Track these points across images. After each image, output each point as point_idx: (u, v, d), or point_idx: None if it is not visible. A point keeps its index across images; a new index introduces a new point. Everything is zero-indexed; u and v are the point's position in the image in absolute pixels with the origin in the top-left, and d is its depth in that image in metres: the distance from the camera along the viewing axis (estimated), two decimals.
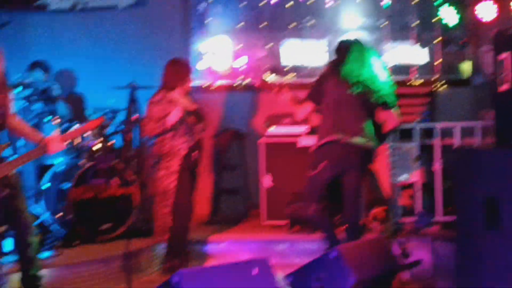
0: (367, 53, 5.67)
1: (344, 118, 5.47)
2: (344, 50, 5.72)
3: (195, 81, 7.62)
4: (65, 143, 5.14)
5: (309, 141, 6.46)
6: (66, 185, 6.45)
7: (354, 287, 4.19)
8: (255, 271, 3.88)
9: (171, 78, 5.90)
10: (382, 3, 7.91)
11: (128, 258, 4.62)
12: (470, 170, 5.01)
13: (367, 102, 5.59)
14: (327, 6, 7.93)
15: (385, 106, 5.62)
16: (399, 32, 7.92)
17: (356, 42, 5.82)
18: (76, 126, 6.50)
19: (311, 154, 5.81)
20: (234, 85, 8.19)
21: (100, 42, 7.82)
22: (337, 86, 5.48)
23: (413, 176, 6.85)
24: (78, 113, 7.49)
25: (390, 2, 7.91)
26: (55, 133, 5.06)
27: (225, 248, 6.61)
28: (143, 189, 6.67)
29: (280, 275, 4.22)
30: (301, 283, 4.41)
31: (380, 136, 5.79)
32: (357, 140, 5.44)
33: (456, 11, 7.12)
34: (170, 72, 5.93)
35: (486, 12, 6.59)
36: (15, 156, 4.98)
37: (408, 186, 6.85)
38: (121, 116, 6.90)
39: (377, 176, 6.87)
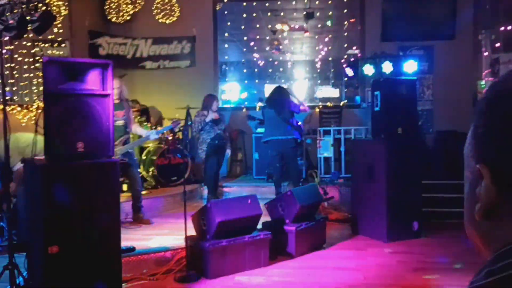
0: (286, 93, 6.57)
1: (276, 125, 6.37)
2: (273, 94, 6.56)
3: (220, 104, 7.78)
4: (157, 136, 5.99)
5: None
6: (155, 156, 7.21)
7: (299, 209, 4.80)
8: (249, 201, 4.59)
9: (207, 102, 6.60)
10: (315, 65, 8.97)
11: (185, 194, 4.52)
12: (359, 150, 5.89)
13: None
14: (288, 66, 9.10)
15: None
16: (325, 80, 9.06)
17: (280, 87, 6.69)
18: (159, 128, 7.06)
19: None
20: (241, 106, 8.85)
21: (172, 85, 8.41)
22: (270, 111, 6.39)
23: (330, 153, 7.62)
24: (159, 121, 8.41)
25: (319, 63, 9.07)
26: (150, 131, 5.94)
27: (235, 190, 7.43)
28: (193, 160, 7.33)
29: (262, 204, 4.84)
30: (272, 207, 4.97)
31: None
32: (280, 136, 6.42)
33: (353, 70, 7.45)
34: (206, 99, 6.64)
35: (368, 70, 6.71)
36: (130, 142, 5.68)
37: (328, 158, 7.67)
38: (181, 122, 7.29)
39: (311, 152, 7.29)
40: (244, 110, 8.68)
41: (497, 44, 9.06)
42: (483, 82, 8.72)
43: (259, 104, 8.24)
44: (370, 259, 4.78)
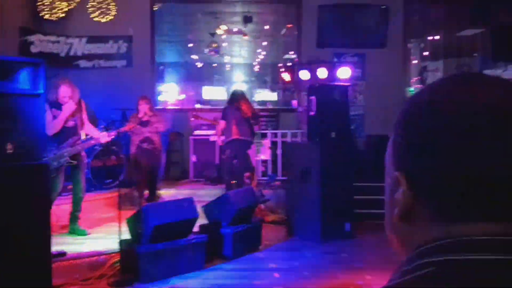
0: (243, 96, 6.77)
1: (241, 127, 6.52)
2: (234, 94, 6.81)
3: (157, 105, 8.12)
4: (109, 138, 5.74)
5: (215, 139, 7.20)
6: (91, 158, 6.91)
7: (235, 212, 4.82)
8: (186, 204, 4.55)
9: (136, 104, 6.58)
10: (253, 68, 9.15)
11: (119, 197, 4.65)
12: (295, 153, 6.03)
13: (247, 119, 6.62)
14: (227, 69, 9.26)
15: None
16: (262, 84, 9.16)
17: (238, 91, 7.00)
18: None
19: (222, 146, 6.70)
20: (178, 108, 8.75)
21: (108, 85, 8.12)
22: (235, 112, 6.56)
23: (267, 155, 7.74)
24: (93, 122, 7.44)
25: (257, 67, 9.19)
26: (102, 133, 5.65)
27: (172, 193, 7.16)
28: (128, 162, 7.09)
29: (199, 207, 4.78)
30: (209, 210, 4.97)
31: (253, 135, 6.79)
32: (246, 138, 6.57)
33: (289, 75, 7.67)
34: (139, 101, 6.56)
35: (304, 75, 6.90)
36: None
37: (265, 161, 7.78)
38: (117, 124, 7.15)
39: (249, 155, 6.93)
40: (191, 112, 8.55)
41: (425, 53, 9.51)
42: (412, 88, 9.12)
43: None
44: (304, 260, 4.86)
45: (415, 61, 9.60)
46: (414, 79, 9.55)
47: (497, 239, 0.56)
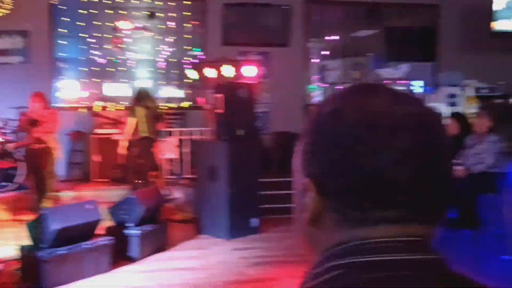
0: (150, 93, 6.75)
1: (146, 125, 6.35)
2: (141, 92, 6.69)
3: (56, 103, 7.82)
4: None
5: (118, 137, 6.90)
6: None
7: (142, 212, 4.72)
8: (88, 206, 4.46)
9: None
10: (158, 65, 8.76)
11: (17, 201, 4.73)
12: (202, 151, 6.01)
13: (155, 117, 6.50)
14: (130, 65, 8.69)
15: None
16: (168, 81, 8.77)
17: (145, 88, 6.95)
18: None
19: (130, 144, 6.42)
20: (77, 106, 8.34)
21: (4, 82, 7.74)
22: (140, 110, 6.34)
23: (174, 154, 7.60)
24: None
25: (162, 64, 8.79)
26: None
27: (75, 195, 6.90)
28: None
29: (104, 208, 4.74)
30: (115, 212, 4.85)
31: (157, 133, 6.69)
32: (152, 136, 6.43)
33: (195, 72, 7.50)
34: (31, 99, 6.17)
35: (210, 73, 6.81)
36: None
37: (171, 159, 7.62)
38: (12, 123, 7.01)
39: (155, 154, 6.75)
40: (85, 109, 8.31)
41: (325, 52, 9.84)
42: (312, 86, 9.42)
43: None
44: (213, 257, 4.87)
45: (315, 60, 9.90)
46: (314, 77, 9.85)
47: (397, 240, 0.59)
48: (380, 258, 0.58)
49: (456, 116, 5.81)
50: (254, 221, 5.64)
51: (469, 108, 6.77)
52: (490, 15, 7.00)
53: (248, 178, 5.61)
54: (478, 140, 5.13)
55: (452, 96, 6.95)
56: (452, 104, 6.90)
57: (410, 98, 0.64)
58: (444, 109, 6.67)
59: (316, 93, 9.79)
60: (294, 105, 7.96)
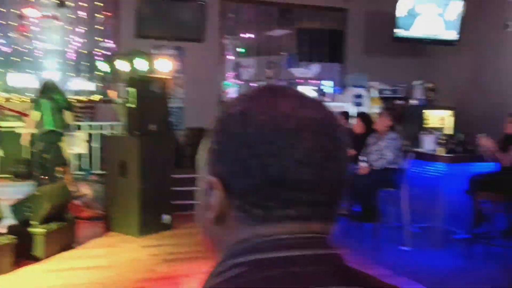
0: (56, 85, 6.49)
1: (53, 118, 6.13)
2: (47, 84, 6.42)
3: None
4: None
5: (22, 130, 6.59)
6: None
7: (47, 210, 4.52)
8: None
9: None
10: (67, 56, 8.46)
11: None
12: (113, 147, 5.81)
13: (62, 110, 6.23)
14: (36, 55, 8.32)
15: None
16: (77, 72, 8.46)
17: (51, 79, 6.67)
18: None
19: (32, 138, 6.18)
20: None
21: None
22: (47, 103, 6.09)
23: (82, 148, 7.22)
24: None
25: (72, 55, 8.54)
26: None
27: None
28: None
29: (6, 206, 4.55)
30: (18, 209, 4.58)
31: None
32: (59, 129, 6.18)
33: (107, 65, 7.73)
34: None
35: (122, 66, 6.65)
36: None
37: (80, 154, 7.33)
38: None
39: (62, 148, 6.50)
40: None
41: (240, 50, 9.91)
42: (227, 83, 9.46)
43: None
44: (122, 255, 4.75)
45: (230, 57, 9.94)
46: (229, 74, 9.90)
47: (298, 237, 0.62)
48: (280, 255, 0.60)
49: (361, 115, 6.10)
50: (166, 218, 5.58)
51: (374, 108, 7.12)
52: (393, 21, 7.38)
53: (160, 174, 5.53)
54: (380, 138, 5.39)
55: (358, 96, 7.26)
56: (358, 104, 7.21)
57: (314, 102, 0.67)
58: (351, 109, 6.96)
59: (231, 90, 9.85)
60: (208, 101, 7.91)
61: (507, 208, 4.64)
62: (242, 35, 9.73)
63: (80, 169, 7.34)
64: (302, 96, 0.67)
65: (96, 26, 8.54)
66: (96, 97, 8.27)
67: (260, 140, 0.62)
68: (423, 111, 6.87)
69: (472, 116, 7.05)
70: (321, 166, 0.62)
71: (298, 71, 9.49)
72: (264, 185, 0.61)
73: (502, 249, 4.60)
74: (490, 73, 7.35)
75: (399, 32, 7.39)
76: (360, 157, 5.45)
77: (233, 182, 0.63)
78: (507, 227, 4.70)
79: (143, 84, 5.68)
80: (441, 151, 5.44)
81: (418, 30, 7.48)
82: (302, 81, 9.76)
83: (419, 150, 5.57)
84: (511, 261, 4.36)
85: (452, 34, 7.55)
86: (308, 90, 9.49)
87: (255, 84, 10.78)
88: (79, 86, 8.60)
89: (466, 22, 7.43)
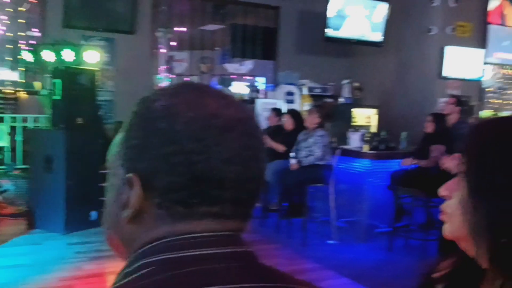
0: None
1: None
2: None
3: None
4: None
5: None
6: None
7: None
8: None
9: None
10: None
11: None
12: (37, 140, 5.62)
13: None
14: None
15: None
16: (1, 61, 7.81)
17: None
18: None
19: None
20: None
21: None
22: None
23: (4, 142, 6.91)
24: None
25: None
26: None
27: None
28: None
29: None
30: None
31: None
32: None
33: (32, 54, 7.12)
34: None
35: (48, 56, 6.01)
36: None
37: (2, 148, 6.95)
38: None
39: None
40: None
41: (173, 43, 9.76)
42: (159, 76, 9.29)
43: None
44: (47, 253, 4.59)
45: (163, 50, 9.76)
46: (162, 67, 9.72)
47: (214, 234, 0.62)
48: (192, 253, 0.60)
49: (291, 112, 6.21)
50: (94, 214, 5.43)
51: (304, 106, 7.27)
52: (324, 21, 7.55)
53: (88, 169, 5.35)
54: (309, 135, 5.52)
55: (290, 94, 7.38)
56: (290, 102, 7.33)
57: (237, 102, 0.67)
58: (282, 106, 7.07)
59: (164, 84, 9.68)
60: (139, 94, 7.48)
61: (425, 203, 4.88)
62: (175, 28, 9.58)
63: (2, 163, 6.99)
64: (226, 96, 0.67)
65: (20, 14, 8.10)
66: (20, 88, 7.81)
67: (187, 137, 0.61)
68: (351, 109, 7.08)
69: (395, 114, 7.38)
70: (246, 165, 0.63)
71: (231, 67, 9.50)
72: (189, 182, 0.60)
73: (421, 242, 4.84)
74: (412, 75, 7.72)
75: (330, 32, 7.57)
76: (291, 154, 5.55)
77: (155, 179, 0.61)
78: (425, 220, 4.95)
79: (70, 75, 5.51)
80: (366, 148, 5.65)
81: (347, 31, 7.70)
82: (235, 76, 9.79)
83: (347, 147, 5.76)
84: (429, 253, 4.58)
85: (377, 36, 7.85)
86: (242, 86, 9.57)
87: (188, 78, 10.68)
88: (1, 76, 8.11)
89: (391, 25, 7.75)
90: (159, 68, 9.31)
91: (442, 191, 0.80)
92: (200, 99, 0.64)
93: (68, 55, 6.31)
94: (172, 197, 0.61)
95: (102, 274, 4.11)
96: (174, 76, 10.31)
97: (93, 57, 6.52)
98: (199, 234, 0.61)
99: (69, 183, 5.19)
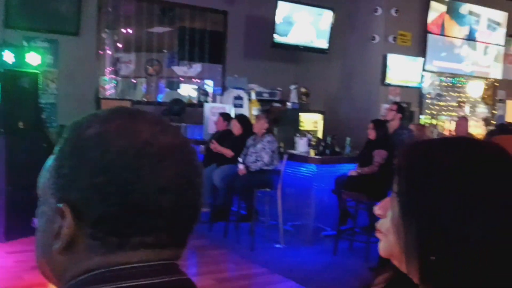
0: None
1: None
2: None
3: None
4: None
5: None
6: None
7: None
8: None
9: None
10: None
11: None
12: None
13: None
14: None
15: None
16: None
17: None
18: None
19: None
20: None
21: None
22: None
23: None
24: None
25: None
26: None
27: None
28: None
29: None
30: None
31: None
32: None
33: None
34: None
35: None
36: None
37: None
38: None
39: None
40: None
41: (119, 45, 9.58)
42: (105, 78, 9.11)
43: None
44: None
45: (109, 52, 9.59)
46: (108, 69, 9.55)
47: (149, 264, 0.60)
48: (125, 285, 0.58)
49: (239, 118, 6.23)
50: (35, 221, 5.22)
51: (253, 111, 7.31)
52: (272, 27, 7.63)
53: (30, 174, 5.07)
54: (257, 140, 5.57)
55: (238, 98, 7.40)
56: (238, 106, 7.35)
57: (171, 128, 0.66)
58: (231, 110, 7.08)
59: (109, 86, 9.52)
60: (85, 97, 7.56)
61: (368, 206, 5.02)
62: (121, 30, 9.42)
63: None
64: (160, 121, 0.65)
65: None
66: None
67: (120, 166, 0.59)
68: (299, 114, 7.19)
69: (340, 120, 7.56)
70: (181, 193, 0.62)
71: (180, 70, 9.43)
72: (123, 212, 0.59)
73: (364, 244, 4.97)
74: (356, 81, 7.93)
75: (277, 38, 7.65)
76: (239, 159, 5.58)
77: (88, 209, 0.59)
78: (368, 223, 5.09)
79: (11, 78, 5.39)
80: (312, 153, 5.76)
81: (294, 37, 7.82)
82: (184, 79, 9.75)
83: (294, 152, 5.84)
84: (372, 255, 4.71)
85: (323, 43, 8.01)
86: (190, 89, 9.54)
87: (134, 81, 10.53)
88: None
89: (336, 32, 7.94)
90: (104, 70, 9.14)
91: (377, 210, 0.83)
92: (133, 126, 0.62)
93: (9, 56, 6.11)
94: (105, 228, 0.59)
95: (44, 284, 3.95)
96: (120, 78, 10.15)
97: (35, 59, 6.31)
98: (133, 265, 0.60)
99: (10, 188, 5.01)
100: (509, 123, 8.05)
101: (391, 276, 0.83)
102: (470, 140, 0.81)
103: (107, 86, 9.30)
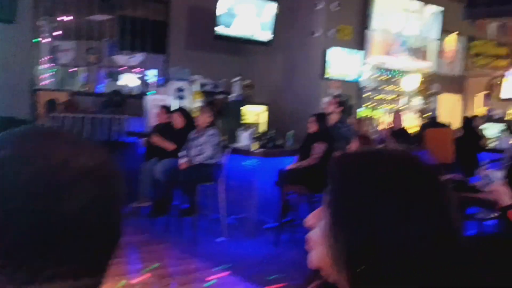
0: None
1: None
2: None
3: None
4: None
5: None
6: None
7: None
8: None
9: None
10: None
11: None
12: None
13: None
14: None
15: None
16: None
17: None
18: None
19: None
20: None
21: None
22: None
23: None
24: None
25: None
26: None
27: None
28: None
29: None
30: None
31: None
32: None
33: None
34: None
35: None
36: None
37: None
38: None
39: None
40: None
41: (57, 32, 9.19)
42: (42, 67, 8.73)
43: None
44: None
45: (46, 40, 9.19)
46: (45, 58, 9.17)
47: None
48: None
49: (181, 110, 6.16)
50: None
51: (195, 102, 7.24)
52: (214, 19, 7.55)
53: None
54: (200, 134, 5.53)
55: (180, 90, 7.30)
56: (180, 98, 7.26)
57: (90, 147, 0.62)
58: (172, 102, 6.98)
59: (47, 75, 9.13)
60: (20, 87, 7.24)
61: (309, 198, 5.11)
62: (59, 17, 9.04)
63: None
64: (78, 141, 0.62)
65: None
66: None
67: (28, 194, 0.55)
68: (241, 107, 7.19)
69: (283, 113, 7.63)
70: (99, 218, 0.59)
71: (121, 59, 9.18)
72: (33, 243, 0.55)
73: (305, 236, 5.04)
74: (298, 74, 8.02)
75: (220, 29, 7.59)
76: (180, 153, 5.52)
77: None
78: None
79: None
80: (254, 147, 5.79)
81: (237, 29, 7.79)
82: (125, 68, 9.50)
83: (236, 145, 5.85)
84: None
85: (267, 35, 8.03)
86: (132, 79, 9.30)
87: (75, 69, 10.16)
88: None
89: (280, 25, 7.97)
90: (41, 59, 8.75)
91: (308, 220, 0.82)
92: (48, 148, 0.58)
93: None
94: (12, 261, 0.55)
95: None
96: (58, 66, 9.75)
97: None
98: None
99: None
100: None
101: (320, 285, 0.84)
102: (397, 152, 0.83)
103: (45, 76, 8.91)
